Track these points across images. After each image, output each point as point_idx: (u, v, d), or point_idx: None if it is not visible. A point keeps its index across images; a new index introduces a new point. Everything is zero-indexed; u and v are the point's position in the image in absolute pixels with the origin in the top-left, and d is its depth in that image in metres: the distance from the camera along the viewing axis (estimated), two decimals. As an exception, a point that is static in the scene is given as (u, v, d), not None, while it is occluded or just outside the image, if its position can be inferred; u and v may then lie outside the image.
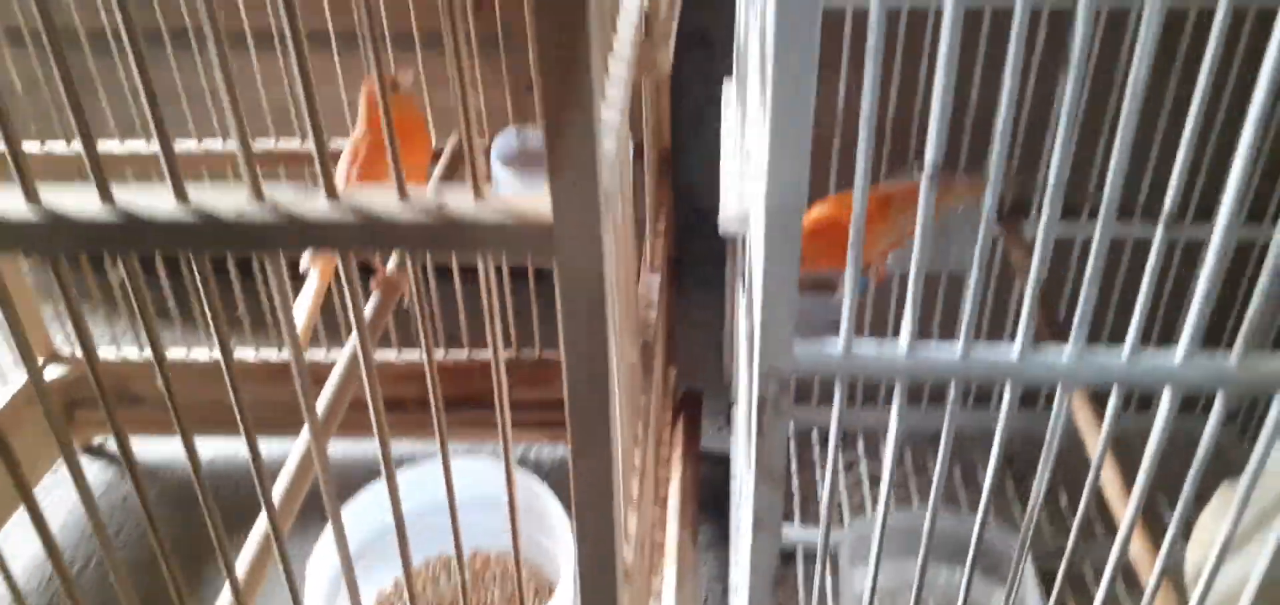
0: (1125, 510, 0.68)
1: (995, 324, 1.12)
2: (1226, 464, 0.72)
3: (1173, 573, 0.63)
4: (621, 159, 0.68)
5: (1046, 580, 1.03)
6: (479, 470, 0.98)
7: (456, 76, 0.38)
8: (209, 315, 0.39)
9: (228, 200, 0.35)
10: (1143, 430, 0.44)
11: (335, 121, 0.97)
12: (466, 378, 1.20)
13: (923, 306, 1.09)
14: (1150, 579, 0.49)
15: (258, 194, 0.35)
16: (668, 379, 1.17)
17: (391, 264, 0.81)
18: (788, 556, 1.06)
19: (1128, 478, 0.74)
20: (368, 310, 0.76)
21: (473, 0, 0.95)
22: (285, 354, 1.12)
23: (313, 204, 0.35)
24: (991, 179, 0.38)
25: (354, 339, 0.69)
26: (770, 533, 0.50)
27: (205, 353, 1.17)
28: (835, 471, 1.10)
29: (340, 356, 0.71)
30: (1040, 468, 0.46)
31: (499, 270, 1.10)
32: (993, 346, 0.42)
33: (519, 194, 0.36)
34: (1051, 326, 0.84)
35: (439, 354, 1.20)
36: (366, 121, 0.81)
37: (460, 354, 1.18)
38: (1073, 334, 0.41)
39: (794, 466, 1.17)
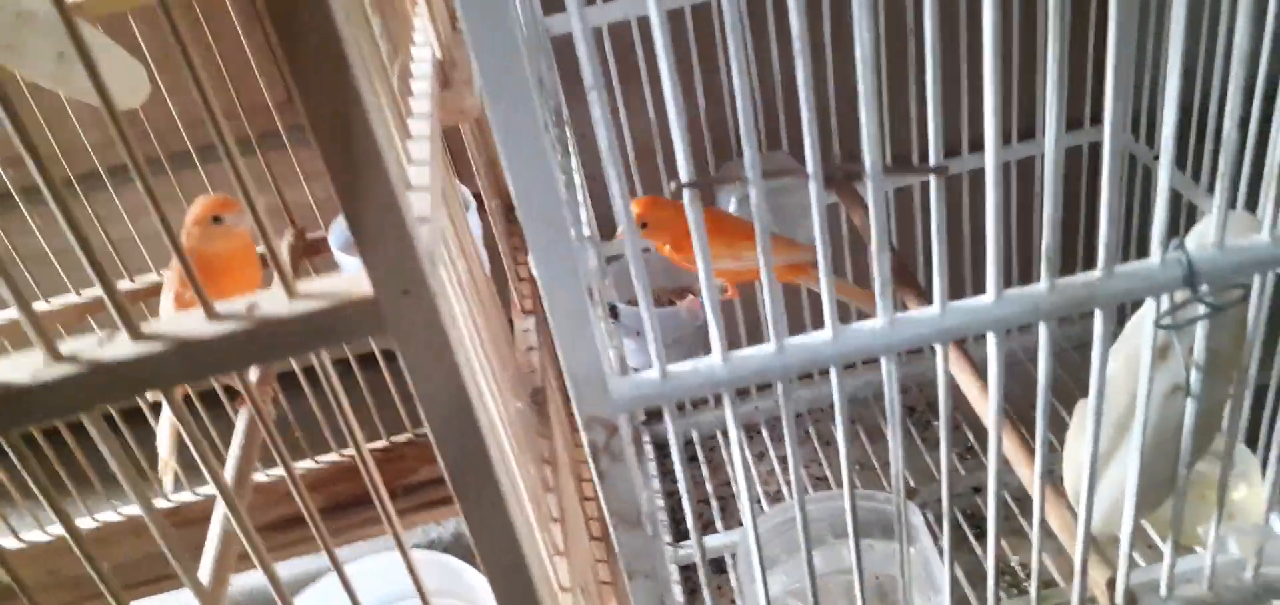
0: (1018, 447, 0.69)
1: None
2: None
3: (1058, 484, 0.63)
4: (452, 213, 0.66)
5: (968, 520, 1.04)
6: (388, 568, 0.94)
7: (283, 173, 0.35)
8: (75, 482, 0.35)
9: (20, 366, 0.32)
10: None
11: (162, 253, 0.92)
12: (354, 477, 1.17)
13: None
14: (1034, 498, 0.49)
15: (53, 354, 0.32)
16: (573, 414, 1.15)
17: (253, 376, 0.77)
18: (718, 565, 1.04)
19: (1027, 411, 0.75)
20: (239, 431, 0.72)
21: (281, 97, 0.92)
22: (174, 498, 1.06)
23: (115, 348, 0.32)
24: (810, 150, 0.37)
25: (234, 464, 0.66)
26: (647, 576, 0.48)
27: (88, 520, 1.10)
28: (689, 481, 1.09)
29: (226, 477, 0.67)
30: (892, 440, 0.45)
31: (361, 359, 1.06)
32: (807, 336, 0.41)
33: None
34: (912, 283, 0.85)
35: (331, 455, 1.15)
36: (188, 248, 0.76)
37: (349, 452, 1.13)
38: (878, 303, 0.40)
39: (705, 471, 1.16)
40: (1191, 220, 0.93)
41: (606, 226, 1.07)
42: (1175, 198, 1.01)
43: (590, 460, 0.42)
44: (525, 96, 0.33)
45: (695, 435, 1.21)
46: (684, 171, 0.36)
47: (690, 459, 1.20)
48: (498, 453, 0.38)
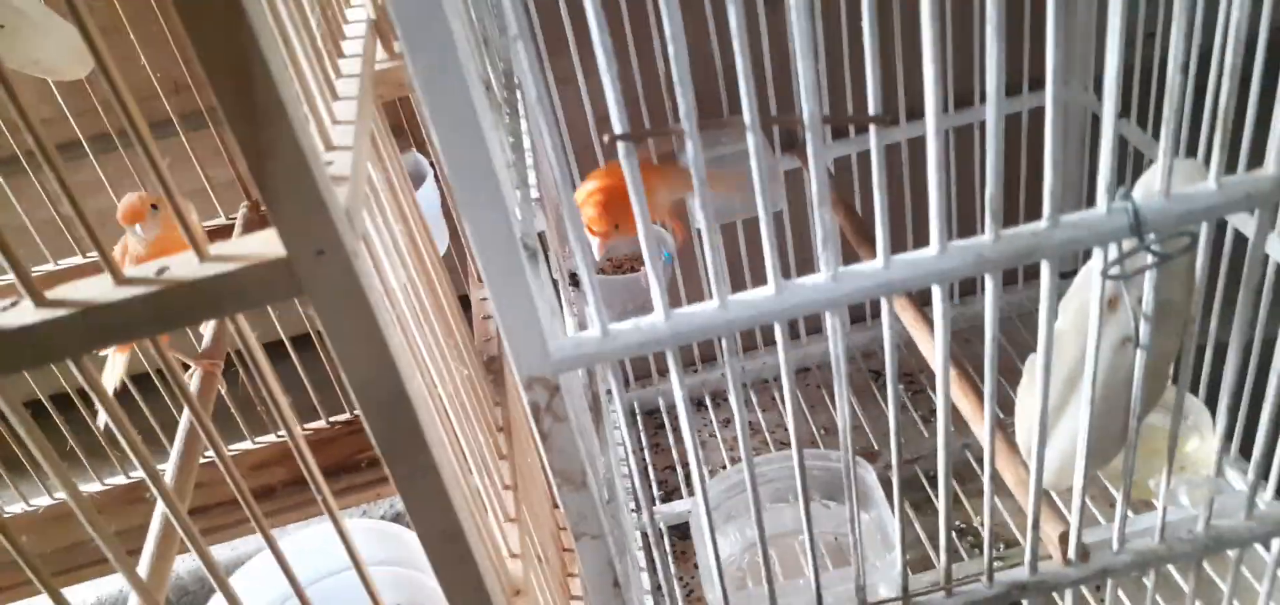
0: (974, 404, 0.68)
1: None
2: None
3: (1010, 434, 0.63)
4: (389, 177, 0.64)
5: (930, 483, 1.04)
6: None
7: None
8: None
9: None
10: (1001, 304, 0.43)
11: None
12: (329, 446, 1.15)
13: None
14: (985, 452, 0.49)
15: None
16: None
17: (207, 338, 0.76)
18: (684, 531, 1.04)
19: (976, 366, 0.75)
20: (185, 410, 0.71)
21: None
22: (133, 475, 1.05)
23: (17, 315, 0.31)
24: (748, 122, 0.36)
25: (181, 440, 0.64)
26: (594, 537, 0.47)
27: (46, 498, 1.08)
28: (626, 447, 1.08)
29: (170, 463, 0.65)
30: (838, 398, 0.45)
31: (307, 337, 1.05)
32: (750, 293, 0.40)
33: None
34: (871, 240, 0.84)
35: (298, 427, 1.14)
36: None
37: (318, 423, 1.12)
38: (820, 258, 0.39)
39: (670, 440, 1.16)
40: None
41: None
42: (1136, 156, 1.01)
43: (531, 421, 0.41)
44: (447, 48, 0.32)
45: (661, 403, 1.21)
46: (617, 123, 0.35)
47: (659, 425, 1.20)
48: (430, 418, 0.37)
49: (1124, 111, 1.01)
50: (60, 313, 0.31)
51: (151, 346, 0.38)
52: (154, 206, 0.66)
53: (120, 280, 0.32)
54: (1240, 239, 0.82)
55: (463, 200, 0.35)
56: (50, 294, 0.31)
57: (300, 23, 0.43)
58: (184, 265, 0.32)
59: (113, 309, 0.31)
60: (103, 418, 0.81)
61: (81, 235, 0.92)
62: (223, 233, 0.99)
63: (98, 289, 0.32)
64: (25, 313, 0.30)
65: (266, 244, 0.32)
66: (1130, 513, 0.54)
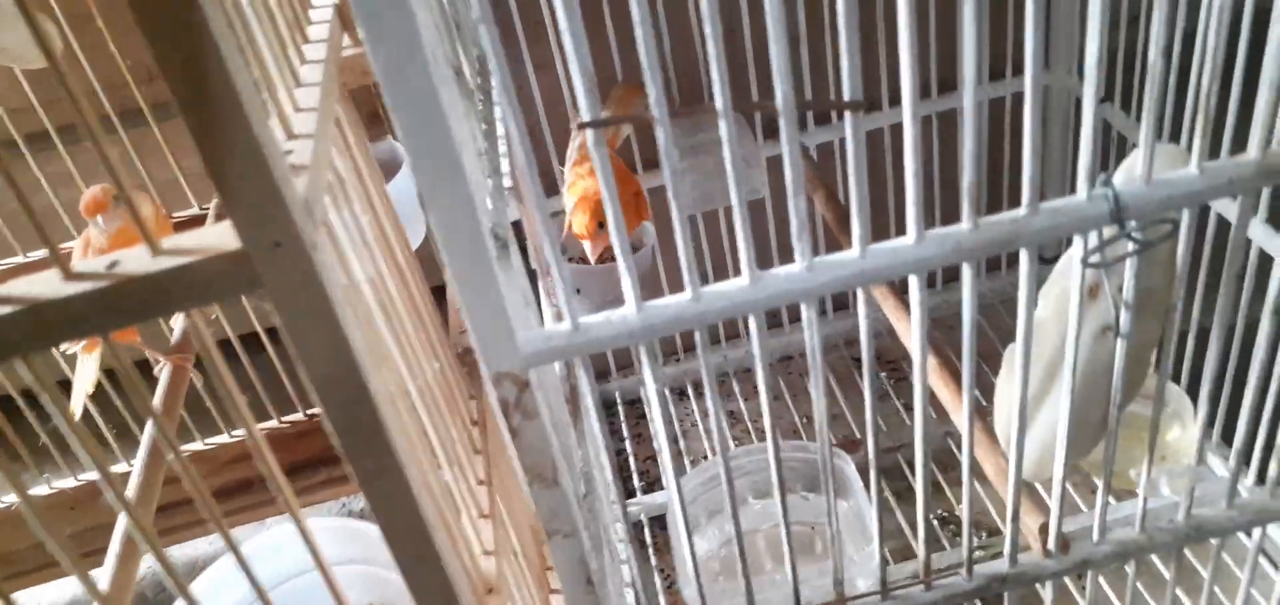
0: (954, 393, 0.68)
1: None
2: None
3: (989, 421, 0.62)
4: (358, 166, 0.63)
5: (913, 470, 1.04)
6: (317, 532, 0.92)
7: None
8: None
9: None
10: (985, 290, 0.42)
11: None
12: (309, 438, 1.14)
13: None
14: (963, 441, 0.48)
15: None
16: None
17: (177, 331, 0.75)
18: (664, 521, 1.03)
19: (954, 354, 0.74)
20: (156, 399, 0.70)
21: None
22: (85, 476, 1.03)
23: None
24: (721, 108, 0.35)
25: (147, 441, 0.63)
26: (565, 535, 0.46)
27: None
28: (602, 439, 1.07)
29: (136, 463, 0.64)
30: (814, 389, 0.44)
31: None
32: (724, 284, 0.39)
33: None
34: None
35: (272, 422, 1.13)
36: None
37: (296, 415, 1.11)
38: (795, 248, 0.38)
39: (664, 416, 1.15)
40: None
41: (550, 183, 1.05)
42: (1120, 140, 1.00)
43: (501, 418, 0.40)
44: (409, 36, 0.31)
45: (643, 392, 1.20)
46: (585, 111, 0.34)
47: (640, 415, 1.19)
48: (394, 414, 0.36)
49: (1107, 96, 1.00)
50: (5, 309, 0.30)
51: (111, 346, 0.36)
52: (116, 198, 0.65)
53: (69, 275, 0.31)
54: (1223, 224, 0.82)
55: (426, 192, 0.34)
56: (-6, 291, 0.30)
57: (262, 8, 0.41)
58: (136, 259, 0.31)
59: (60, 305, 0.30)
60: (78, 410, 0.80)
61: (45, 229, 0.91)
62: (196, 223, 0.97)
63: (45, 285, 0.31)
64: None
65: (222, 237, 0.31)
66: (1113, 499, 0.53)
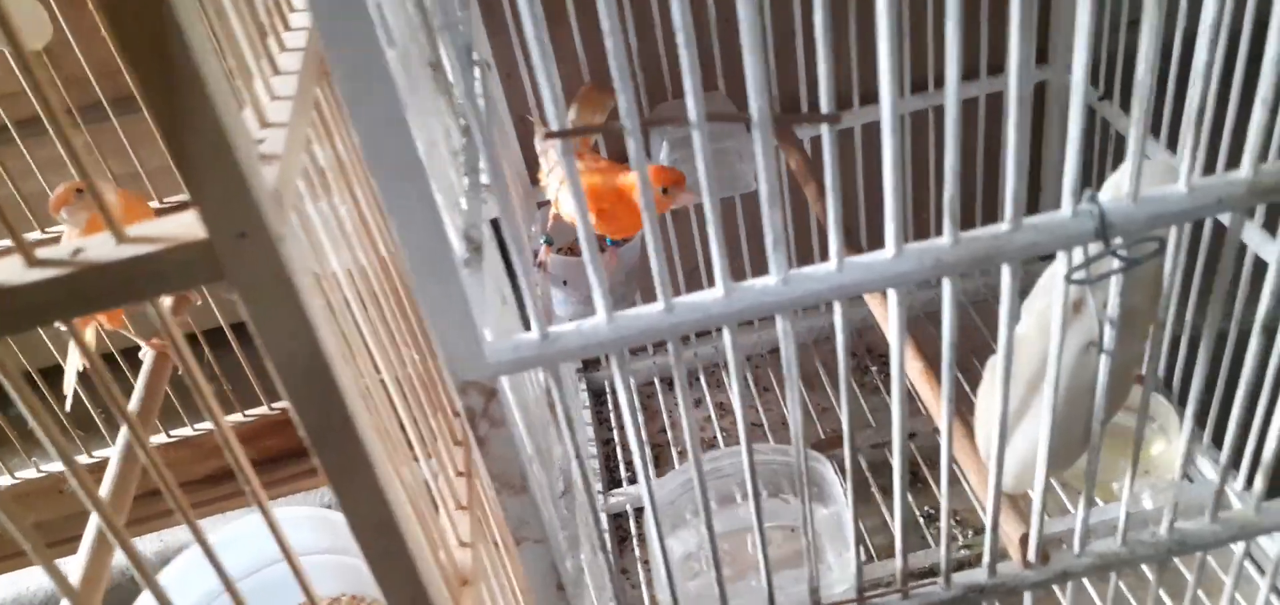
0: (933, 397, 0.67)
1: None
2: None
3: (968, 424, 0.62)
4: (339, 157, 0.62)
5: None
6: (291, 523, 0.92)
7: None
8: None
9: None
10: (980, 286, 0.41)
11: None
12: (291, 429, 1.14)
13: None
14: (942, 454, 0.47)
15: None
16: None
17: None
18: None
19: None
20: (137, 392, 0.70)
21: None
22: (96, 455, 1.02)
23: None
24: (693, 117, 0.34)
25: (125, 434, 0.62)
26: (535, 541, 0.45)
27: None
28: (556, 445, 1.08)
29: (113, 454, 0.64)
30: (789, 398, 0.43)
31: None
32: (698, 295, 0.38)
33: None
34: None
35: (261, 408, 1.12)
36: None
37: (282, 403, 1.10)
38: (771, 260, 0.37)
39: (641, 419, 1.14)
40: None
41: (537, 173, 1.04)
42: (1119, 139, 0.99)
43: (468, 427, 0.40)
44: (368, 39, 0.30)
45: (632, 383, 1.19)
46: (552, 121, 0.33)
47: (628, 405, 1.18)
48: (362, 408, 0.35)
49: (1107, 93, 0.99)
50: None
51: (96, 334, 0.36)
52: (79, 191, 0.64)
53: (32, 262, 0.31)
54: (1219, 226, 0.81)
55: (388, 201, 0.33)
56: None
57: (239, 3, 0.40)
58: (100, 247, 0.31)
59: (23, 292, 0.30)
60: (69, 391, 0.79)
61: (35, 214, 0.90)
62: (185, 209, 0.96)
63: (8, 271, 0.30)
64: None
65: (186, 226, 0.30)
66: (1098, 502, 0.52)
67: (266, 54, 0.44)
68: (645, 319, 0.38)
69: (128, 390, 0.88)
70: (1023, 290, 0.43)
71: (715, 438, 1.11)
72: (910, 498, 0.99)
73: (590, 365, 1.21)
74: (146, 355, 0.73)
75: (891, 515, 0.95)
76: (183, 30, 0.27)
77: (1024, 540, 0.54)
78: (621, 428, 1.15)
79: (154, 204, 0.91)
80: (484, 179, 0.54)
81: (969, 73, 1.03)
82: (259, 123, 0.38)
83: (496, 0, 0.92)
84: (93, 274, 0.30)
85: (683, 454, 1.09)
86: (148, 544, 1.21)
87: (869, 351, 1.17)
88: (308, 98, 0.45)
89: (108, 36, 0.80)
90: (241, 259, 0.30)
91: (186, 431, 1.03)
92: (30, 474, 1.04)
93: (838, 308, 0.40)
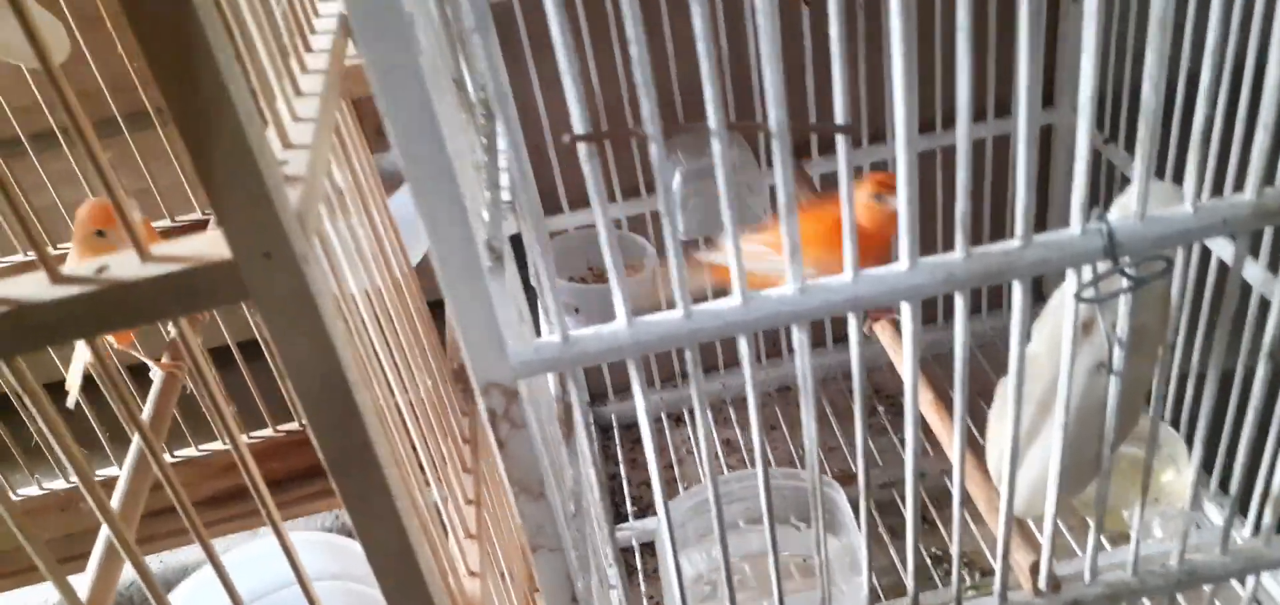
0: (949, 426, 0.67)
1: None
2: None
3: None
4: (357, 177, 0.63)
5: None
6: (302, 546, 0.92)
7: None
8: None
9: None
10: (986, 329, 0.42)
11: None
12: (307, 447, 1.14)
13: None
14: (954, 476, 0.48)
15: None
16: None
17: (165, 357, 0.75)
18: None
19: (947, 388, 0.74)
20: (146, 411, 0.70)
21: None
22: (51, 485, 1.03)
23: None
24: (713, 127, 0.35)
25: (135, 449, 0.63)
26: (552, 550, 0.46)
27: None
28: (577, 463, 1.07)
29: (123, 471, 0.64)
30: (805, 416, 0.44)
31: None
32: (716, 303, 0.39)
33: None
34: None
35: (266, 431, 1.13)
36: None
37: (293, 425, 1.10)
38: (788, 270, 0.38)
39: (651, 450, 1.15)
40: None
41: (554, 202, 1.05)
42: (1123, 181, 1.00)
43: (489, 429, 0.40)
44: (404, 45, 0.31)
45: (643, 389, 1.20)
46: (578, 123, 0.34)
47: (635, 441, 1.19)
48: (381, 432, 0.35)
49: (1111, 136, 1.01)
50: None
51: (108, 350, 0.36)
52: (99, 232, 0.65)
53: (56, 279, 0.31)
54: (1224, 267, 0.82)
55: (419, 202, 0.34)
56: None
57: (262, 13, 0.42)
58: (124, 264, 0.31)
59: (47, 308, 0.30)
60: (74, 394, 0.79)
61: (46, 227, 0.91)
62: (198, 228, 0.97)
63: (32, 287, 0.31)
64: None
65: (212, 245, 0.31)
66: (1106, 544, 0.53)
67: (289, 74, 0.45)
68: (665, 324, 0.39)
69: (128, 418, 0.89)
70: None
71: (723, 471, 1.11)
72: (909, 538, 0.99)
73: (597, 398, 1.21)
74: (156, 375, 0.73)
75: (900, 556, 0.95)
76: (211, 51, 0.28)
77: (1035, 569, 0.54)
78: (629, 463, 1.15)
79: (165, 223, 0.92)
80: (505, 196, 0.55)
81: (977, 114, 1.05)
82: (282, 143, 0.39)
83: (511, 29, 0.94)
84: (117, 292, 0.30)
85: (690, 486, 1.09)
86: (148, 563, 1.20)
87: (877, 392, 1.18)
88: (329, 119, 0.46)
89: (131, 55, 0.83)
90: (266, 279, 0.31)
91: (191, 452, 1.04)
92: (32, 491, 1.05)
93: (851, 319, 0.41)
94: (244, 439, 1.03)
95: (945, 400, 0.71)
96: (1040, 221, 1.15)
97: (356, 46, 0.35)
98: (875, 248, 0.71)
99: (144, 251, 0.31)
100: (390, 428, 0.56)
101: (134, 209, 0.79)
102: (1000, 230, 1.11)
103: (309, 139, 0.40)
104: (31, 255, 0.92)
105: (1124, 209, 0.42)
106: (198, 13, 0.27)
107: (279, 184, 0.31)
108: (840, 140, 0.35)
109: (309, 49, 0.51)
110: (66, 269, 0.31)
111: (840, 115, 0.36)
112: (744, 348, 0.41)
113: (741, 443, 1.14)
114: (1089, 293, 0.41)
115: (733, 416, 1.17)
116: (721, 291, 0.74)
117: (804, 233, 0.34)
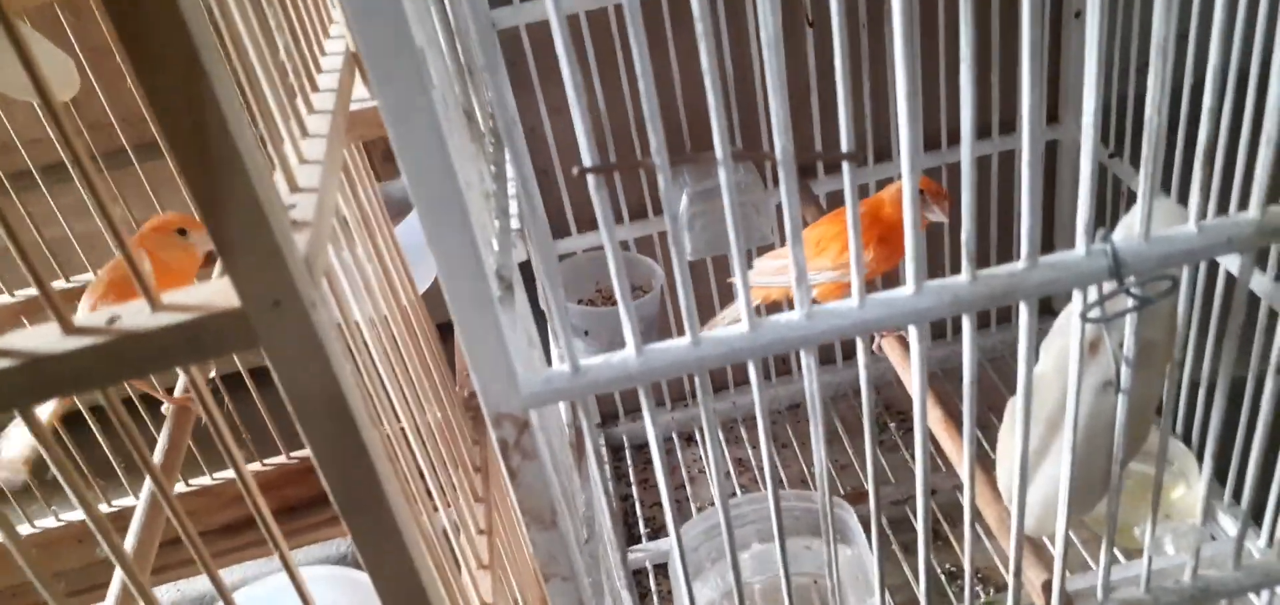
0: (954, 447, 0.68)
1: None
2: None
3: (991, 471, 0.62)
4: (363, 212, 0.64)
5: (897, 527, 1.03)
6: (315, 580, 0.92)
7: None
8: None
9: None
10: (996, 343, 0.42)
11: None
12: (311, 478, 1.14)
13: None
14: (965, 495, 0.48)
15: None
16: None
17: (178, 387, 0.75)
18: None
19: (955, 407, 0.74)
20: (161, 440, 0.71)
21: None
22: (115, 504, 1.03)
23: None
24: (721, 156, 0.35)
25: (148, 488, 0.63)
26: (564, 578, 0.46)
27: None
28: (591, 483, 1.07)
29: (139, 503, 0.64)
30: (814, 438, 0.44)
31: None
32: (723, 330, 0.39)
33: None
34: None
35: (279, 458, 1.13)
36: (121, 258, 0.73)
37: (303, 452, 1.11)
38: (795, 295, 0.38)
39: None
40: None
41: (561, 225, 1.06)
42: (1130, 196, 1.00)
43: (500, 458, 0.41)
44: (415, 81, 0.32)
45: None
46: (586, 156, 0.35)
47: (647, 461, 1.19)
48: (390, 473, 0.36)
49: (1117, 150, 1.01)
50: (5, 363, 0.30)
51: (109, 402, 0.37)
52: (181, 230, 0.67)
53: (69, 329, 0.31)
54: (1230, 278, 0.82)
55: (429, 233, 0.34)
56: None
57: (269, 57, 0.42)
58: (136, 314, 0.31)
59: (60, 361, 0.31)
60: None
61: (64, 258, 0.92)
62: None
63: (45, 338, 0.31)
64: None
65: (221, 294, 0.31)
66: (1120, 558, 0.53)
67: (296, 115, 0.46)
68: (673, 352, 0.39)
69: (149, 440, 0.90)
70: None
71: (734, 492, 1.11)
72: (920, 555, 0.99)
73: (608, 419, 1.22)
74: (169, 409, 0.74)
75: (912, 572, 0.95)
76: (222, 110, 0.28)
77: (1047, 587, 0.54)
78: (640, 483, 1.15)
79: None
80: (515, 223, 0.56)
81: (982, 131, 1.06)
82: (290, 186, 0.40)
83: (519, 55, 0.95)
84: (129, 343, 0.31)
85: (702, 507, 1.09)
86: (165, 592, 1.21)
87: (887, 408, 1.18)
88: (336, 159, 0.46)
89: (142, 102, 0.84)
90: (275, 327, 0.31)
91: (205, 480, 1.04)
92: (50, 523, 1.05)
93: (860, 343, 0.41)
94: (258, 467, 1.04)
95: (955, 417, 0.71)
96: (1047, 236, 1.15)
97: (369, 88, 0.35)
98: (893, 239, 0.72)
99: (155, 300, 0.31)
100: (401, 464, 0.56)
101: (143, 257, 0.80)
102: (1007, 244, 1.11)
103: (316, 182, 0.40)
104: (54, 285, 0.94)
105: (1129, 228, 0.42)
106: (211, 79, 0.27)
107: (288, 234, 0.31)
108: (846, 166, 0.36)
109: (315, 88, 0.51)
110: (78, 319, 0.31)
111: (846, 139, 0.36)
112: (753, 374, 0.41)
113: (753, 462, 1.14)
114: (1095, 313, 0.41)
115: (744, 435, 1.17)
116: (775, 308, 0.73)
117: (834, 235, 0.34)
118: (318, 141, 0.44)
